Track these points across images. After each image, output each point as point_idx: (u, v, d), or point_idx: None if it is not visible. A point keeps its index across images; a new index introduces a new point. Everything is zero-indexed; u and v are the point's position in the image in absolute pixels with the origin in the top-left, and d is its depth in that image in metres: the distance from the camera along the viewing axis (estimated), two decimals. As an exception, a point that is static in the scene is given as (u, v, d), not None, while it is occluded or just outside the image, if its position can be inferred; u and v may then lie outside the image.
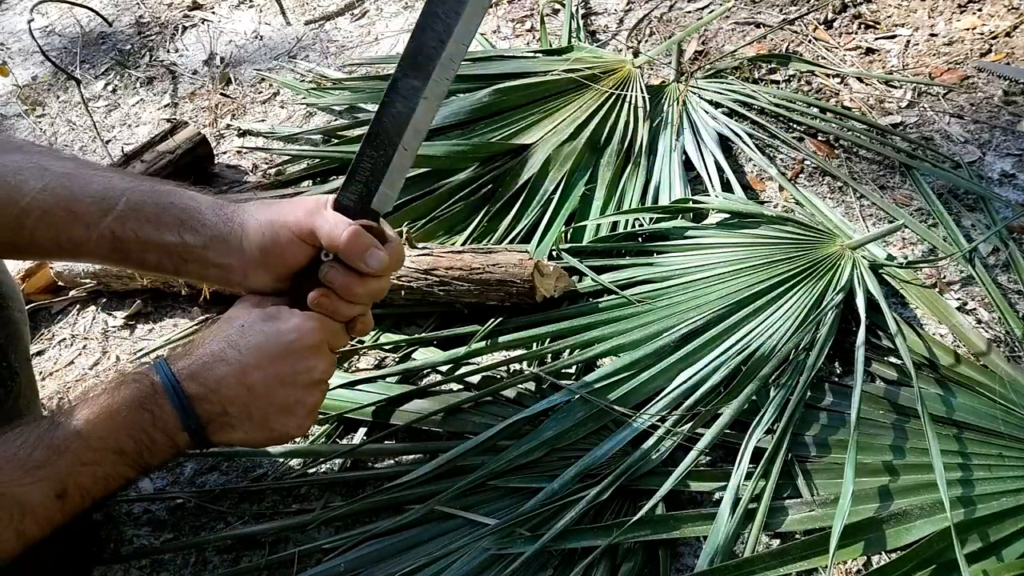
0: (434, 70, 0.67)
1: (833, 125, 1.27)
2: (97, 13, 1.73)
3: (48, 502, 0.60)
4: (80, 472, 0.61)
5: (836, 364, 0.97)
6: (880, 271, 1.04)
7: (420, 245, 1.06)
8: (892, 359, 0.95)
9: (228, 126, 1.45)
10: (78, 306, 1.18)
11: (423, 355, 1.02)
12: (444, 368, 1.01)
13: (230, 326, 0.68)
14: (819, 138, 1.26)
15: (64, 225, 0.66)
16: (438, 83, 0.67)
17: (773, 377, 0.92)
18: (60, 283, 1.17)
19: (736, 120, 1.28)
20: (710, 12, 1.51)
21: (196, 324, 1.10)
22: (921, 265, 1.06)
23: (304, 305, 0.69)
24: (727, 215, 1.11)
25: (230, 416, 0.66)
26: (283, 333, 0.68)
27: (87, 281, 1.16)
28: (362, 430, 0.96)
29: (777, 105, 1.29)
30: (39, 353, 1.12)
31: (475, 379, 0.99)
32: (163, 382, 0.65)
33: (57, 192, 0.66)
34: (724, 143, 1.25)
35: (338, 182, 1.24)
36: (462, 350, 1.00)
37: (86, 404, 0.63)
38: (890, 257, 1.06)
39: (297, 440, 0.96)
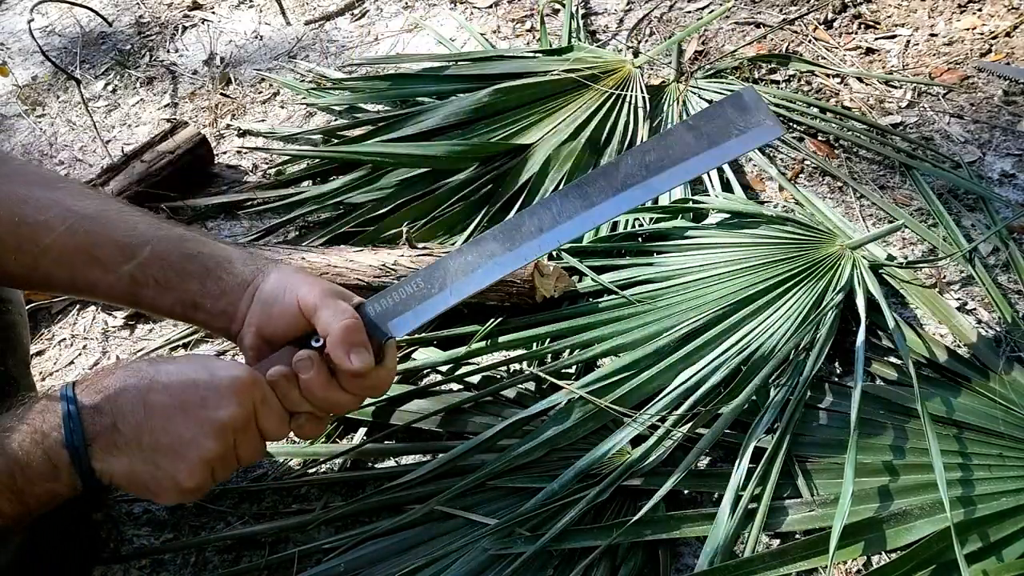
0: (518, 248, 0.69)
1: (833, 125, 1.27)
2: (97, 13, 1.73)
3: None
4: None
5: (836, 364, 0.97)
6: (880, 271, 1.04)
7: (420, 245, 1.06)
8: (892, 359, 0.95)
9: (228, 126, 1.45)
10: (78, 306, 1.18)
11: (423, 355, 1.02)
12: (444, 368, 1.01)
13: (165, 358, 0.65)
14: (819, 138, 1.26)
15: (81, 267, 0.66)
16: (514, 258, 0.69)
17: (773, 377, 0.92)
18: (60, 283, 1.17)
19: (736, 120, 1.28)
20: (710, 12, 1.51)
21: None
22: (921, 265, 1.06)
23: None
24: (727, 215, 1.11)
25: (119, 433, 0.59)
26: (213, 367, 0.63)
27: (87, 281, 1.16)
28: (362, 430, 0.96)
29: (777, 105, 1.29)
30: (39, 353, 1.12)
31: (475, 379, 0.99)
32: (60, 394, 0.60)
33: (79, 236, 0.66)
34: (724, 143, 1.25)
35: (338, 181, 1.24)
36: (462, 350, 1.00)
37: None
38: (890, 257, 1.06)
39: (297, 440, 0.96)
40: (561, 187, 0.70)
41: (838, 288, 0.98)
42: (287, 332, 0.67)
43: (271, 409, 0.64)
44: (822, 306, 0.96)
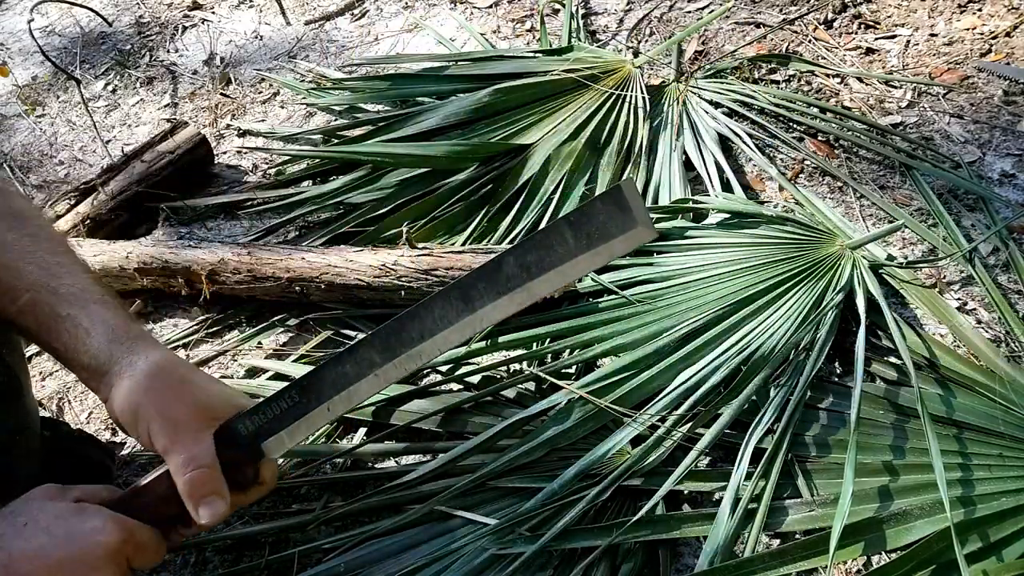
0: (398, 356, 0.66)
1: (833, 125, 1.27)
2: (97, 13, 1.73)
3: None
4: None
5: (836, 364, 0.97)
6: (880, 271, 1.04)
7: (420, 245, 1.06)
8: (892, 359, 0.95)
9: (228, 126, 1.45)
10: (78, 306, 1.18)
11: (423, 355, 1.02)
12: (444, 368, 1.01)
13: (8, 523, 0.59)
14: (819, 138, 1.26)
15: None
16: (395, 368, 0.66)
17: (773, 377, 0.92)
18: (60, 283, 1.17)
19: (736, 120, 1.28)
20: (710, 12, 1.51)
21: (196, 324, 1.10)
22: (921, 265, 1.06)
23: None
24: (727, 215, 1.11)
25: None
26: (75, 532, 0.59)
27: (87, 281, 1.16)
28: (362, 430, 0.96)
29: (777, 105, 1.29)
30: (39, 353, 1.12)
31: (475, 379, 0.99)
32: None
33: None
34: (724, 143, 1.25)
35: (338, 181, 1.24)
36: (462, 350, 1.00)
37: None
38: (890, 257, 1.06)
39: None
40: (472, 271, 0.66)
41: (838, 288, 0.98)
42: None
43: (146, 550, 0.63)
44: (822, 306, 0.96)
